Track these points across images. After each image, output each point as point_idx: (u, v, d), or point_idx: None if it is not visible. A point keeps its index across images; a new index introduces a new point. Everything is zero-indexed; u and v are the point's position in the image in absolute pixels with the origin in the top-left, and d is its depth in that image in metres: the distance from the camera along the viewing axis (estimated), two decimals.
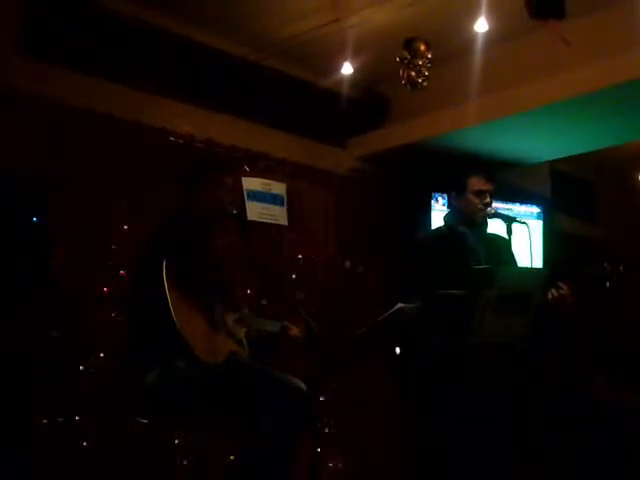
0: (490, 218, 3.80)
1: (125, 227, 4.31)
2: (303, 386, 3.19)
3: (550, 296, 3.48)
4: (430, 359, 3.59)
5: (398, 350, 3.55)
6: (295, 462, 3.17)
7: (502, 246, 3.76)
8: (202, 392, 3.03)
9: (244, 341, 3.36)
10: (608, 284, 3.54)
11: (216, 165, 3.52)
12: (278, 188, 5.15)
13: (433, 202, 5.65)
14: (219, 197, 3.37)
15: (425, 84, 4.53)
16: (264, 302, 4.74)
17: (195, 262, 3.12)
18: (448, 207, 3.95)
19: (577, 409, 4.96)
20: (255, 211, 4.94)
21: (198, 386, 3.02)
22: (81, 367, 4.06)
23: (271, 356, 3.78)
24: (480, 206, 3.74)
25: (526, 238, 3.60)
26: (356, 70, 4.88)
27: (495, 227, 3.87)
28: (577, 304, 3.52)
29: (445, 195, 3.99)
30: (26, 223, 4.00)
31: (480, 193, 3.75)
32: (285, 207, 5.14)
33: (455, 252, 3.67)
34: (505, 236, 3.67)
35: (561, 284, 3.49)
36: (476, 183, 3.77)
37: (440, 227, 3.98)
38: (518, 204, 6.06)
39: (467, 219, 3.79)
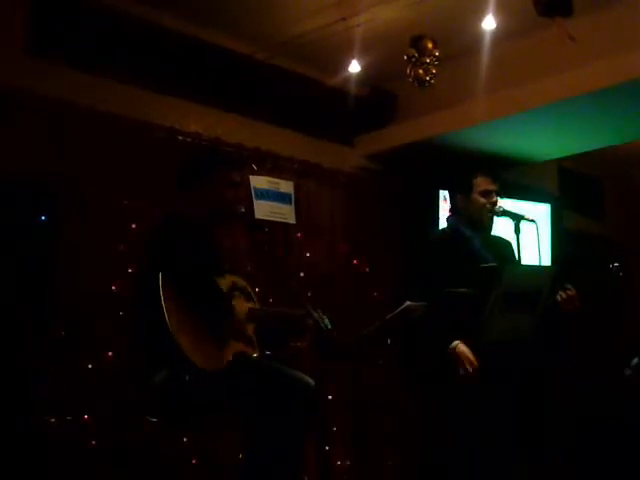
0: (498, 216, 3.79)
1: (133, 226, 4.31)
2: (312, 382, 3.18)
3: (559, 298, 3.47)
4: (438, 358, 3.58)
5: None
6: (304, 459, 3.17)
7: (506, 248, 3.76)
8: (206, 399, 3.03)
9: (253, 339, 3.35)
10: (613, 283, 3.54)
11: (224, 162, 3.48)
12: (286, 186, 5.18)
13: (441, 200, 5.64)
14: (227, 195, 3.34)
15: (432, 82, 4.53)
16: (272, 301, 4.75)
17: (196, 264, 3.08)
18: (451, 209, 3.92)
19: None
20: (263, 209, 4.97)
21: (201, 395, 3.02)
22: (90, 365, 4.07)
23: (282, 344, 3.77)
24: (488, 206, 3.73)
25: (534, 236, 3.59)
26: (363, 68, 4.88)
27: (503, 225, 3.87)
28: (585, 305, 3.51)
29: (449, 193, 3.97)
30: (31, 222, 4.00)
31: (487, 193, 3.75)
32: (293, 205, 5.17)
33: (461, 256, 3.67)
34: (509, 237, 3.67)
35: (568, 286, 3.49)
36: (482, 183, 3.76)
37: (444, 228, 3.97)
38: (526, 202, 6.03)
39: (473, 221, 3.78)
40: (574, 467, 4.36)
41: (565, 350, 4.33)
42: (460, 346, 3.42)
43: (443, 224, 5.39)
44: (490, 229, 3.81)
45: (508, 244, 3.74)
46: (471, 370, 3.35)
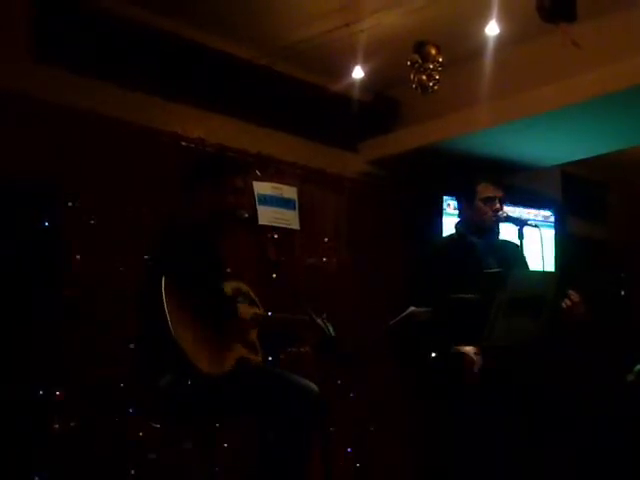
0: (501, 222, 3.79)
1: (135, 231, 4.31)
2: (315, 387, 3.18)
3: (564, 305, 3.46)
4: (441, 363, 3.58)
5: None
6: (309, 465, 3.17)
7: (513, 252, 3.75)
8: (208, 404, 3.03)
9: (257, 344, 3.34)
10: (623, 292, 3.53)
11: (228, 167, 3.49)
12: (289, 192, 5.19)
13: (444, 206, 5.64)
14: (230, 200, 3.34)
15: (436, 88, 4.53)
16: (275, 306, 4.74)
17: (198, 270, 3.08)
18: (459, 215, 3.94)
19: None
20: (267, 215, 4.97)
21: (204, 400, 3.02)
22: (92, 369, 4.06)
23: (285, 350, 3.75)
24: (490, 213, 3.73)
25: (538, 241, 3.59)
26: (367, 74, 4.87)
27: (507, 231, 3.87)
28: (590, 311, 3.50)
29: (456, 200, 3.99)
30: (33, 226, 4.01)
31: (489, 200, 3.75)
32: (296, 211, 5.17)
33: (465, 262, 3.67)
34: (516, 241, 3.67)
35: (572, 292, 3.48)
36: (484, 190, 3.77)
37: (452, 234, 3.98)
38: (529, 208, 6.04)
39: (477, 227, 3.79)
40: (575, 470, 4.35)
41: (569, 355, 4.32)
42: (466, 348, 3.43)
43: (447, 230, 5.42)
44: (496, 235, 3.81)
45: (516, 248, 3.73)
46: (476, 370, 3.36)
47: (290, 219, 5.10)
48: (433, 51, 4.47)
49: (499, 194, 3.76)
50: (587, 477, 4.50)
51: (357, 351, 4.90)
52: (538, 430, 3.48)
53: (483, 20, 4.35)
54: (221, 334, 3.12)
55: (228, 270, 3.51)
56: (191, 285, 3.03)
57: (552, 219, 6.20)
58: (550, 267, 5.73)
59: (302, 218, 5.20)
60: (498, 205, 3.74)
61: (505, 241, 3.86)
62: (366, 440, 5.28)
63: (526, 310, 3.33)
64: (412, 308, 3.46)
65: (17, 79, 4.03)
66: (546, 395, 3.53)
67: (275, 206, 5.03)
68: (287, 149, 5.28)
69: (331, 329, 3.32)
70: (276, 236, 5.03)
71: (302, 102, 5.40)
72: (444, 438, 3.75)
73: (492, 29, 4.37)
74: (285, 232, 5.09)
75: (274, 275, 4.84)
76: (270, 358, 3.63)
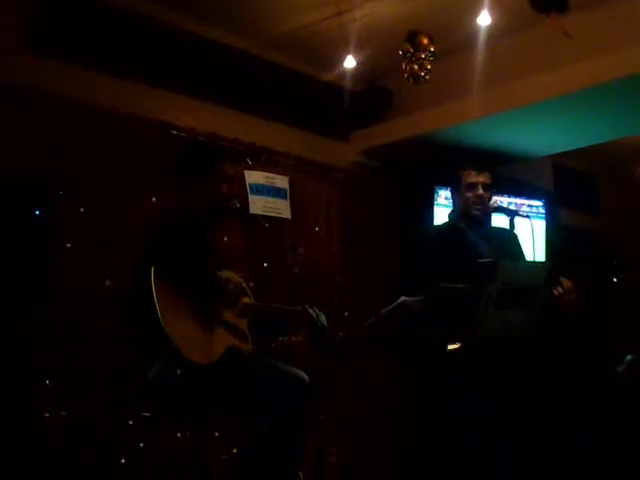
0: (492, 212, 3.80)
1: (127, 220, 4.30)
2: (305, 376, 3.19)
3: (556, 293, 3.46)
4: (432, 353, 3.59)
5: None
6: (300, 455, 3.17)
7: (507, 239, 3.75)
8: (198, 393, 3.03)
9: (247, 333, 3.34)
10: (615, 279, 3.52)
11: (218, 155, 3.47)
12: (281, 181, 5.18)
13: (436, 196, 5.64)
14: (222, 189, 3.33)
15: (428, 77, 4.52)
16: (267, 296, 4.74)
17: (189, 260, 3.06)
18: (452, 205, 3.96)
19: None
20: (258, 205, 4.97)
21: (193, 389, 3.02)
22: (86, 361, 4.06)
23: (276, 339, 3.75)
24: (473, 199, 3.73)
25: (529, 232, 3.60)
26: (359, 63, 4.86)
27: (498, 221, 3.87)
28: (582, 300, 3.50)
29: (448, 189, 4.00)
30: (25, 218, 4.00)
31: (472, 186, 3.75)
32: (288, 200, 5.17)
33: (456, 249, 3.67)
34: (511, 229, 3.67)
35: (563, 279, 3.48)
36: (467, 177, 3.78)
37: (444, 223, 3.99)
38: (521, 198, 6.04)
39: (466, 215, 3.79)
40: (571, 464, 4.38)
41: (564, 347, 4.34)
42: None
43: (438, 219, 5.42)
44: (486, 223, 3.81)
45: (512, 236, 3.73)
46: None
47: (282, 208, 5.10)
48: (425, 41, 4.45)
49: (481, 179, 3.75)
50: (583, 474, 4.52)
51: (349, 341, 4.91)
52: (534, 428, 3.49)
53: (475, 10, 4.35)
54: (211, 323, 3.12)
55: (219, 260, 3.51)
56: (181, 274, 3.02)
57: (543, 210, 6.21)
58: (541, 258, 5.74)
59: (294, 207, 5.20)
60: (481, 191, 3.74)
61: (501, 229, 3.86)
62: (357, 431, 5.29)
63: (517, 301, 3.34)
64: (403, 298, 3.46)
65: (10, 70, 4.02)
66: (541, 393, 3.54)
67: (267, 195, 5.03)
68: (279, 139, 5.27)
69: (323, 319, 3.32)
70: (267, 225, 5.02)
71: (294, 92, 5.39)
72: (438, 435, 3.75)
73: (484, 19, 4.37)
74: (277, 221, 5.08)
75: (265, 264, 4.85)
76: (261, 347, 3.63)
